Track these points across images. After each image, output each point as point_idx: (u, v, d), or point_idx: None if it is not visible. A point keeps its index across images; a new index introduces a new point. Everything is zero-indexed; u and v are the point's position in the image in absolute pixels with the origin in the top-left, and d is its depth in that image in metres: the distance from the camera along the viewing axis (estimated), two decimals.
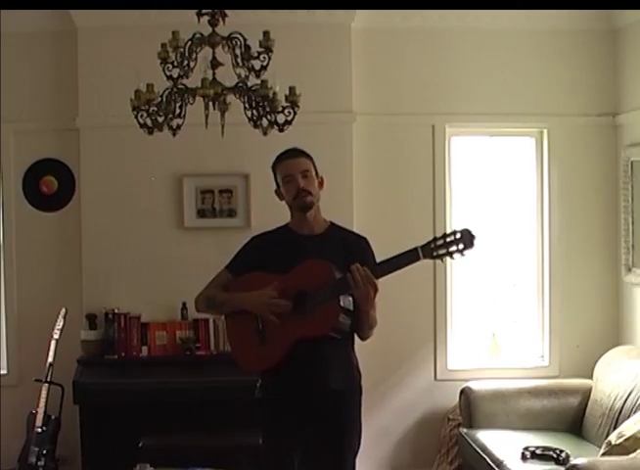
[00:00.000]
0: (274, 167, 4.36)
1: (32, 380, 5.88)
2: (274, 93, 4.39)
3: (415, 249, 3.91)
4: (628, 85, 6.31)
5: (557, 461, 5.12)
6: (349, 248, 4.26)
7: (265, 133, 4.54)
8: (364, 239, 4.38)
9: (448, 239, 3.85)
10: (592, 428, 5.70)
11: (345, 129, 6.26)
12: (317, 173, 4.33)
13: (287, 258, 4.19)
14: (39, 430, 5.83)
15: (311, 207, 4.26)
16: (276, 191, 4.39)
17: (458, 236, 3.82)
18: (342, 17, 6.18)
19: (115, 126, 5.96)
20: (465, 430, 5.95)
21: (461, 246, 3.82)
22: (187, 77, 4.37)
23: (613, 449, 4.73)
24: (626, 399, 5.39)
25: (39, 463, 5.78)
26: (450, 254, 3.85)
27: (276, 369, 4.14)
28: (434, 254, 3.88)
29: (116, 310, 6.09)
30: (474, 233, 3.82)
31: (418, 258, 3.93)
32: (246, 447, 5.32)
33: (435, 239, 3.88)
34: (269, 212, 6.17)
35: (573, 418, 5.94)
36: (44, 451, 5.80)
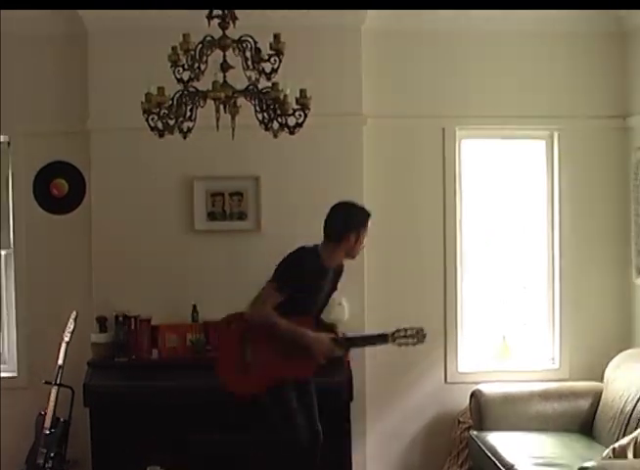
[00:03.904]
0: (365, 222, 5.24)
1: (42, 382, 5.90)
2: (285, 96, 4.40)
3: (385, 335, 5.29)
4: (638, 87, 6.30)
5: None
6: (337, 275, 5.41)
7: (276, 136, 4.55)
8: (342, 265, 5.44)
9: (409, 332, 5.30)
10: (603, 431, 5.69)
11: (356, 132, 6.25)
12: None
13: (316, 291, 5.23)
14: (47, 432, 5.85)
15: None
16: (349, 236, 5.19)
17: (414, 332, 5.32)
18: (353, 19, 6.18)
19: (126, 129, 5.97)
20: (475, 433, 5.95)
21: (414, 340, 5.34)
22: (198, 80, 4.37)
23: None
24: (637, 402, 5.37)
25: (47, 465, 5.80)
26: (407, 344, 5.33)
27: None
28: (398, 342, 5.31)
29: (127, 313, 6.08)
30: (425, 332, 5.35)
31: (386, 342, 5.32)
32: (256, 446, 5.36)
33: (398, 330, 5.29)
34: (279, 215, 6.24)
35: (584, 421, 5.93)
36: (52, 454, 5.82)
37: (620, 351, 6.11)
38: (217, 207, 6.24)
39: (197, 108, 4.42)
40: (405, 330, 5.28)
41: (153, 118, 4.41)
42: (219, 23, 4.38)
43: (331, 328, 5.42)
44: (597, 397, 5.96)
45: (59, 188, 6.38)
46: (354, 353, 5.96)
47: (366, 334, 5.51)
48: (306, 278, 5.08)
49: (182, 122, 4.43)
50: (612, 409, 5.66)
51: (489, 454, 5.56)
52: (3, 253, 6.44)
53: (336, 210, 5.28)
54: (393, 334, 5.28)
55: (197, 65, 4.33)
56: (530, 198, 6.65)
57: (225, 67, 4.36)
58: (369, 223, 5.27)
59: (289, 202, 6.22)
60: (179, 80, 4.37)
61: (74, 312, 6.01)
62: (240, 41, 4.36)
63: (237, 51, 4.36)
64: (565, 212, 6.50)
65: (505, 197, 6.65)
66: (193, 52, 4.32)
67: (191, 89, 4.38)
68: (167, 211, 6.25)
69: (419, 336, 5.33)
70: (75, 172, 6.37)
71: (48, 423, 5.86)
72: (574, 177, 6.50)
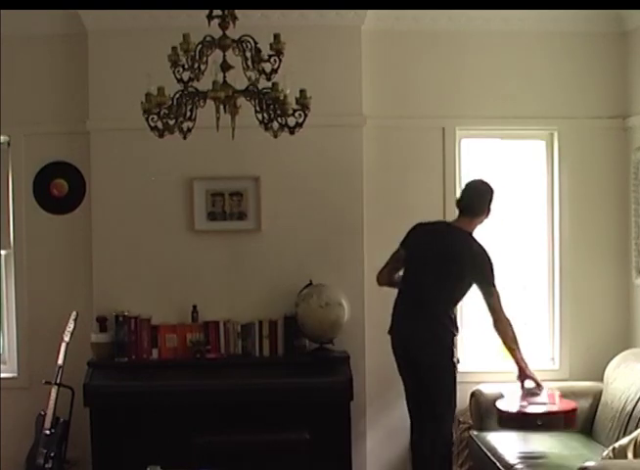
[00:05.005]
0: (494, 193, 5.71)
1: (42, 382, 5.90)
2: (285, 96, 4.39)
3: None
4: (638, 87, 6.29)
5: None
6: None
7: (276, 136, 4.55)
8: None
9: None
10: (603, 431, 5.69)
11: (355, 132, 6.25)
12: None
13: None
14: (47, 432, 5.85)
15: None
16: (490, 209, 5.69)
17: None
18: (353, 19, 6.18)
19: (126, 129, 5.98)
20: (475, 433, 5.95)
21: None
22: (198, 80, 4.37)
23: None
24: (637, 402, 5.37)
25: (47, 465, 5.80)
26: None
27: None
28: None
29: (127, 313, 6.09)
30: None
31: None
32: (256, 446, 5.37)
33: None
34: (280, 215, 6.24)
35: (584, 421, 5.91)
36: (52, 454, 5.82)
37: (620, 351, 6.11)
38: (217, 207, 6.24)
39: (197, 108, 4.42)
40: None
41: (153, 118, 4.41)
42: (219, 24, 4.38)
43: None
44: (597, 397, 5.96)
45: (59, 188, 6.38)
46: (354, 353, 5.98)
47: None
48: None
49: (182, 122, 4.43)
50: (612, 409, 5.66)
51: (489, 454, 5.55)
52: (3, 253, 6.44)
53: (478, 188, 5.72)
54: None
55: (197, 65, 4.33)
56: (530, 198, 6.65)
57: (225, 67, 4.36)
58: None
59: (289, 202, 6.22)
60: (179, 80, 4.37)
61: (74, 312, 6.01)
62: (240, 41, 4.35)
63: (237, 51, 4.36)
64: (564, 213, 6.49)
65: (505, 197, 6.64)
66: (193, 52, 4.32)
67: (191, 89, 4.38)
68: (167, 211, 6.25)
69: None
70: (75, 172, 6.37)
71: (48, 423, 5.86)
72: (574, 177, 6.50)
